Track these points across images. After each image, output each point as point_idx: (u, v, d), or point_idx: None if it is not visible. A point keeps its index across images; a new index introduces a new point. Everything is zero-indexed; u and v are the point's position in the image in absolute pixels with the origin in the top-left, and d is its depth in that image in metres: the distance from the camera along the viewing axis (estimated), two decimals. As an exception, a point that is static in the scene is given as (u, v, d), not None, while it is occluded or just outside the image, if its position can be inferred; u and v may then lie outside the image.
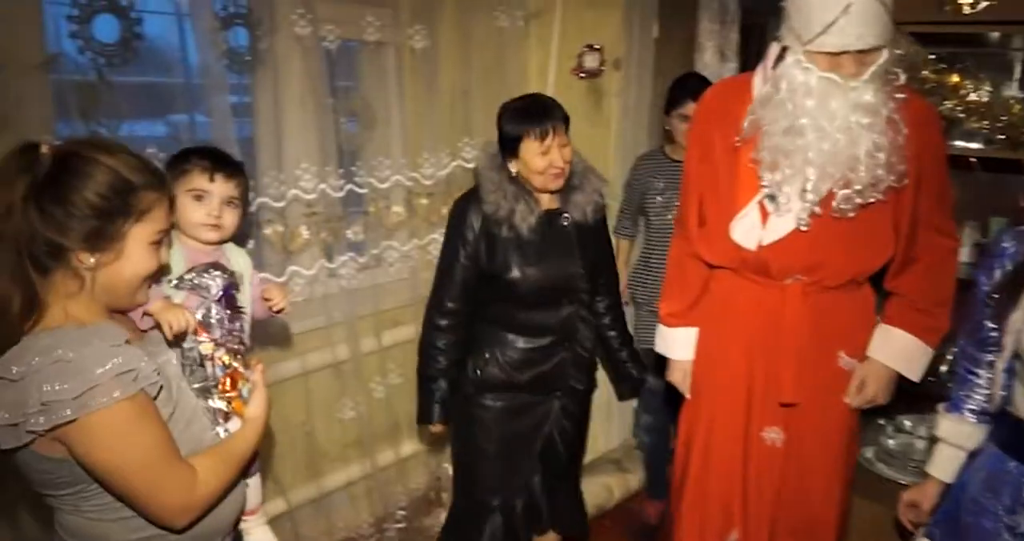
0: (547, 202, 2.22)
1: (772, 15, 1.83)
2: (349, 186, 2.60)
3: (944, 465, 1.71)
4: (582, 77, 3.11)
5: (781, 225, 1.80)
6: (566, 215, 2.22)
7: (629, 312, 3.13)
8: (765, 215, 1.82)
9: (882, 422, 2.70)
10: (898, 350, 1.89)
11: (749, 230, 1.83)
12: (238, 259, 1.69)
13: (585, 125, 3.13)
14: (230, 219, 1.62)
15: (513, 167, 2.17)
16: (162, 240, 1.26)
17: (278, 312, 1.76)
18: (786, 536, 1.98)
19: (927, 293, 1.88)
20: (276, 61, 2.33)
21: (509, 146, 2.15)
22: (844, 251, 1.81)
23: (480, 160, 2.25)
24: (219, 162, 1.61)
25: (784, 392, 1.87)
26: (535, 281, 2.18)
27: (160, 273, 1.31)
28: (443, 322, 2.25)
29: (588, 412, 2.46)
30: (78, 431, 1.12)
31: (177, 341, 1.38)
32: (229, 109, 2.17)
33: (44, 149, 1.17)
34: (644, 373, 2.54)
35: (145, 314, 1.35)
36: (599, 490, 3.10)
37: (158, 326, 1.37)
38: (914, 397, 2.35)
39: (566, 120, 2.16)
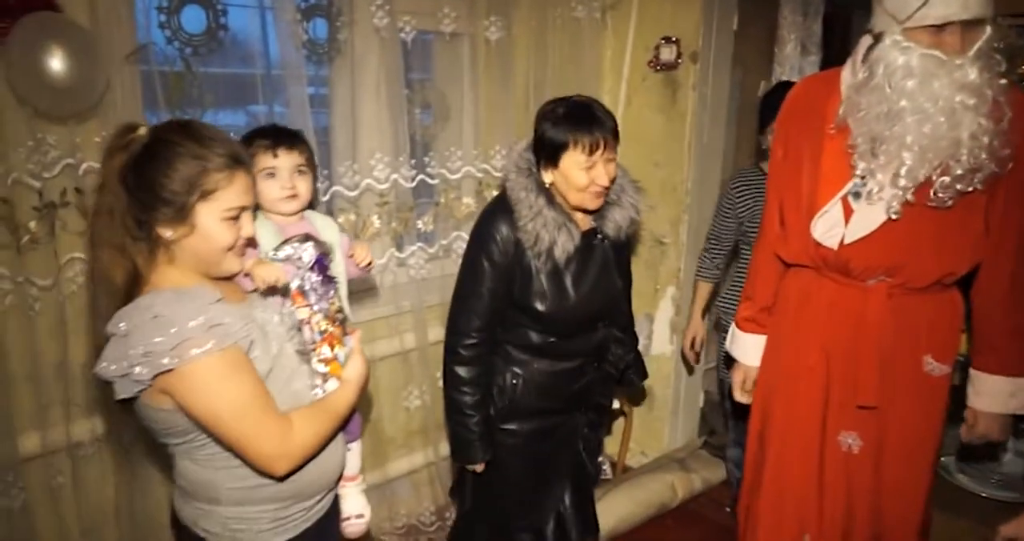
0: (583, 221, 1.99)
1: (857, 7, 1.75)
2: (421, 177, 2.62)
3: None
4: (658, 70, 3.05)
5: (869, 218, 1.72)
6: (600, 236, 2.01)
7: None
8: (848, 213, 1.75)
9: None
10: (995, 394, 1.82)
11: (832, 228, 1.77)
12: (325, 229, 1.75)
13: (661, 119, 3.09)
14: (304, 186, 1.69)
15: (547, 177, 1.91)
16: (238, 216, 1.34)
17: (367, 267, 1.81)
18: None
19: (1003, 321, 1.79)
20: (353, 52, 2.36)
21: (549, 154, 1.88)
22: (930, 251, 1.72)
23: (512, 175, 1.95)
24: (278, 137, 1.67)
25: (864, 394, 1.80)
26: (573, 313, 1.98)
27: (247, 244, 1.41)
28: (469, 353, 1.99)
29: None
30: (176, 380, 1.23)
31: (272, 293, 1.49)
32: (307, 100, 2.22)
33: (141, 131, 1.29)
34: (644, 380, 2.39)
35: (245, 274, 1.47)
36: (663, 488, 3.05)
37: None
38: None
39: (616, 132, 1.90)
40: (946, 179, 1.61)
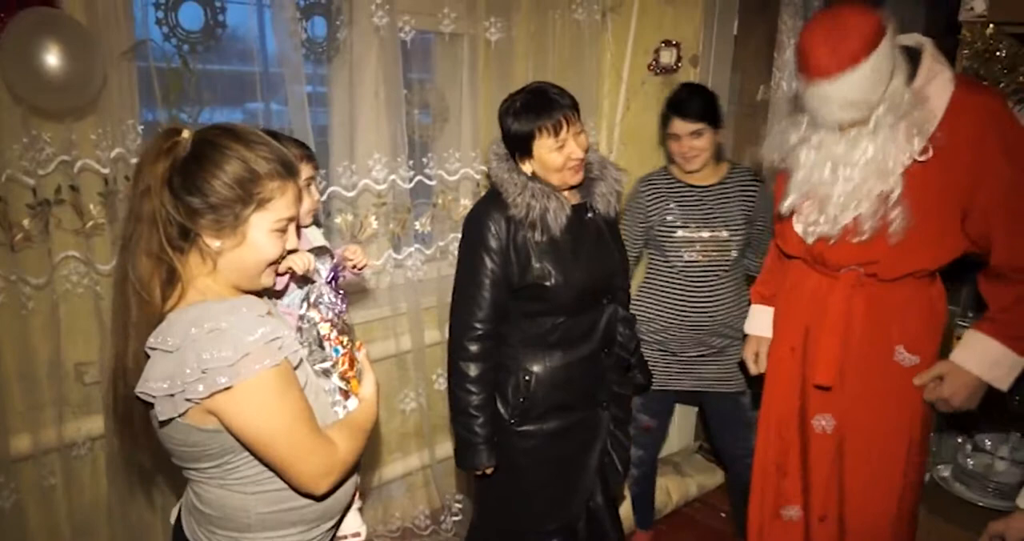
0: (572, 197, 2.02)
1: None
2: (419, 177, 2.61)
3: None
4: (658, 73, 3.05)
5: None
6: (591, 212, 2.02)
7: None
8: None
9: (960, 440, 2.57)
10: (981, 354, 1.80)
11: (810, 224, 1.85)
12: (318, 241, 1.75)
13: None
14: (314, 199, 1.71)
15: (528, 168, 1.94)
16: (286, 228, 1.29)
17: (360, 270, 1.80)
18: (845, 528, 1.98)
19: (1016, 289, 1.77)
20: (352, 51, 2.35)
21: (521, 147, 1.93)
22: (897, 248, 1.76)
23: (493, 163, 1.99)
24: (301, 148, 1.69)
25: (817, 373, 1.89)
26: (577, 284, 1.96)
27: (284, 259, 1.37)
28: (475, 348, 1.96)
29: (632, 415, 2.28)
30: (230, 398, 1.16)
31: (303, 284, 1.47)
32: (305, 99, 2.20)
33: (185, 134, 1.23)
34: (650, 380, 2.36)
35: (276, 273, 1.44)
36: (658, 493, 3.03)
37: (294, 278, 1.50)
38: (995, 415, 2.24)
39: (575, 106, 1.92)
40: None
